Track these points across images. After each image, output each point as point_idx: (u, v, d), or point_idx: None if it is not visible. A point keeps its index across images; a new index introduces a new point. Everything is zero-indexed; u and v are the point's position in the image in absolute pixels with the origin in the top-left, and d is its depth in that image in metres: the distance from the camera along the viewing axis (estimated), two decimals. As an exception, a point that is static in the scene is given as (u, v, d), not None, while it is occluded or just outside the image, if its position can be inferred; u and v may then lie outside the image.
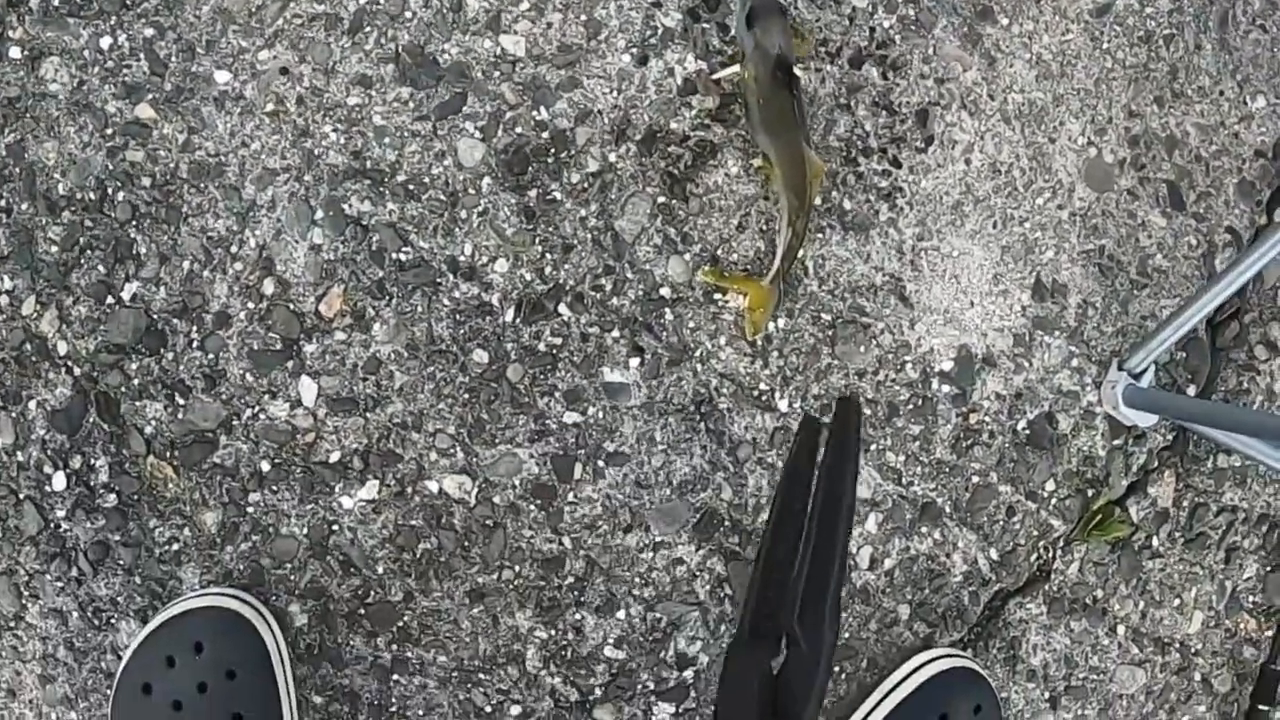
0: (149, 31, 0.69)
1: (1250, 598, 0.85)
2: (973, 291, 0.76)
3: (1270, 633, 0.85)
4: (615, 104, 0.72)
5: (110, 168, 0.69)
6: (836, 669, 0.76)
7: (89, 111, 0.69)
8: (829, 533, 0.52)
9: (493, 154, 0.71)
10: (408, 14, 0.70)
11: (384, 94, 0.70)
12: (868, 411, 0.74)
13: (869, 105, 0.74)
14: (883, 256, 0.74)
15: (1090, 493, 0.79)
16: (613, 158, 0.72)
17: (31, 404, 0.69)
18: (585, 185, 0.71)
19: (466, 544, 0.71)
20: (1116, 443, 0.79)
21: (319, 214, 0.70)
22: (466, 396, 0.71)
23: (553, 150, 0.71)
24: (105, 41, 0.69)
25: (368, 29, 0.70)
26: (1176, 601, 0.83)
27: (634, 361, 0.72)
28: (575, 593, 0.72)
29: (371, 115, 0.70)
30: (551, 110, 0.71)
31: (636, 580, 0.73)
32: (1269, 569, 0.85)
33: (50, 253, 0.69)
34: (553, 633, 0.72)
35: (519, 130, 0.71)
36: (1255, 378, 0.83)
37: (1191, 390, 0.82)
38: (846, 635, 0.76)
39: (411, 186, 0.70)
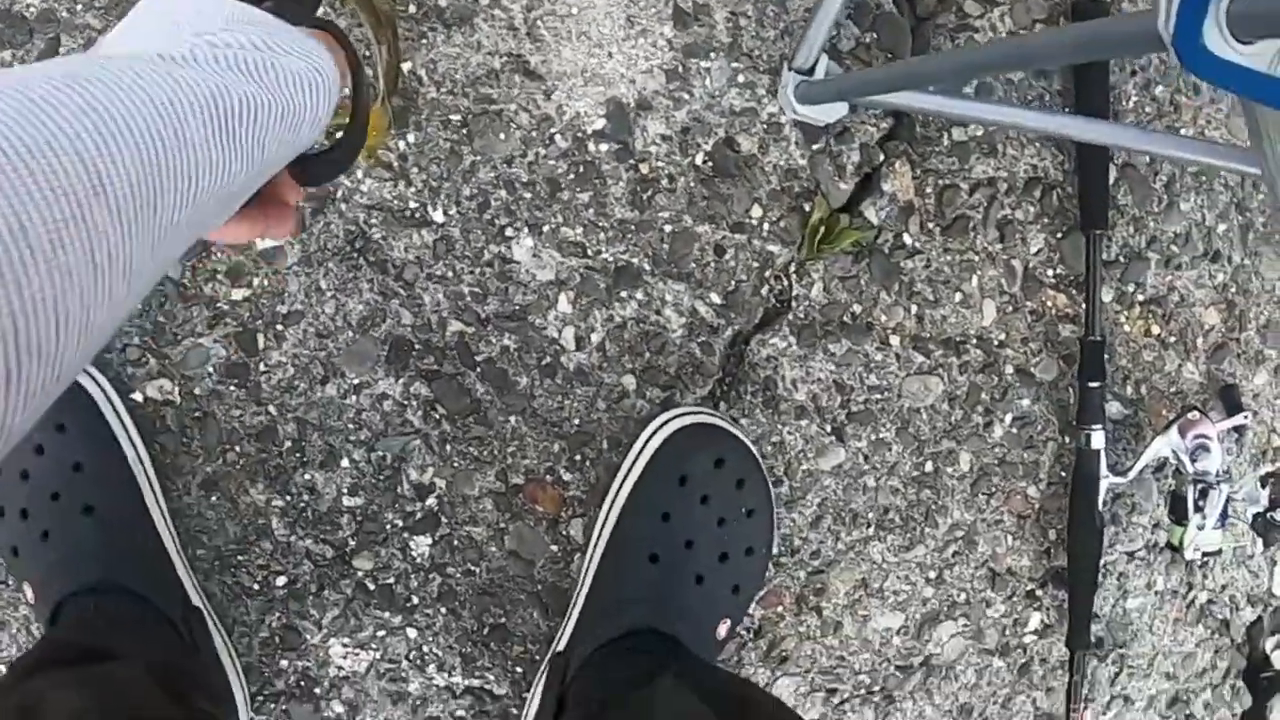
0: None
1: (1049, 271, 0.77)
2: (607, 42, 0.72)
3: (1084, 305, 0.76)
4: (194, -14, 0.73)
5: None
6: (578, 458, 0.74)
7: None
8: None
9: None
10: (-10, -27, 0.73)
11: (-8, 54, 0.74)
12: (528, 195, 0.72)
13: (440, -102, 0.72)
14: (495, 41, 0.72)
15: (806, 207, 0.74)
16: (205, 36, 0.72)
17: None
18: (188, 71, 0.73)
19: (186, 439, 0.74)
20: (816, 147, 0.73)
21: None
22: (140, 307, 0.73)
23: (150, 49, 0.73)
24: None
25: (-38, 0, 0.74)
26: (957, 296, 0.76)
27: (281, 220, 0.72)
28: (296, 455, 0.73)
29: (-11, 77, 0.74)
30: (138, 13, 0.73)
31: (349, 426, 0.73)
32: (1059, 235, 0.76)
33: None
34: (288, 498, 0.73)
35: (114, 42, 0.73)
36: (974, 36, 0.75)
37: (897, 70, 0.75)
38: (577, 421, 0.73)
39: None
